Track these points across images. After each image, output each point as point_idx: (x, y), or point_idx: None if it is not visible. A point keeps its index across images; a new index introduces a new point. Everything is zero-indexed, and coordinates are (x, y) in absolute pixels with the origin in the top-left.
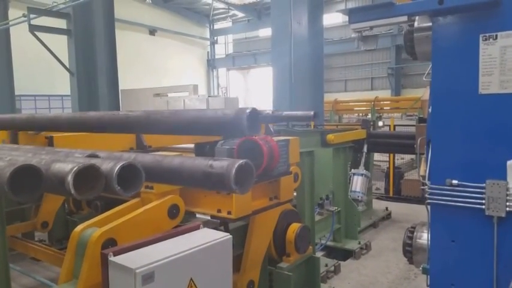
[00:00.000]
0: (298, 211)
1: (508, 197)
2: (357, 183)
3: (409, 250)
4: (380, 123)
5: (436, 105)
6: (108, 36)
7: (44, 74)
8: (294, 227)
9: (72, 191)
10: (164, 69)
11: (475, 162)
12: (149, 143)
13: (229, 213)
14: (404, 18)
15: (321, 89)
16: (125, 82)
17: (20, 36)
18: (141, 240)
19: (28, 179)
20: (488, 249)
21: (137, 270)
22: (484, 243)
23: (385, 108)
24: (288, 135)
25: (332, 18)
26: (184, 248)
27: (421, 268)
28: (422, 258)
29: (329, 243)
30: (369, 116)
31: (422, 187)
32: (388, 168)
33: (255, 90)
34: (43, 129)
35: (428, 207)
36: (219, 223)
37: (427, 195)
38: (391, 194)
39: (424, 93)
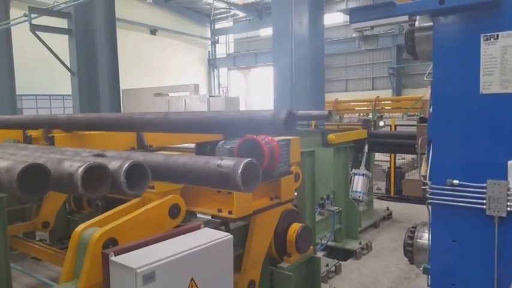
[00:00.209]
0: (299, 211)
1: (509, 197)
2: (358, 183)
3: (410, 250)
4: (381, 123)
5: (437, 105)
6: (109, 36)
7: (44, 73)
8: (295, 227)
9: (81, 189)
10: (165, 68)
11: (476, 162)
12: (150, 143)
13: (230, 213)
14: (405, 17)
15: (322, 88)
16: (126, 82)
17: (21, 36)
18: (142, 240)
19: (37, 177)
20: (489, 249)
21: (138, 270)
22: (485, 243)
23: (386, 108)
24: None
25: (333, 18)
26: (185, 247)
27: (421, 268)
28: (423, 258)
29: (330, 243)
30: (370, 116)
31: (423, 187)
32: (389, 168)
33: (255, 89)
34: (82, 129)
35: (429, 207)
36: (219, 223)
37: (428, 195)
38: (392, 194)
39: (425, 93)
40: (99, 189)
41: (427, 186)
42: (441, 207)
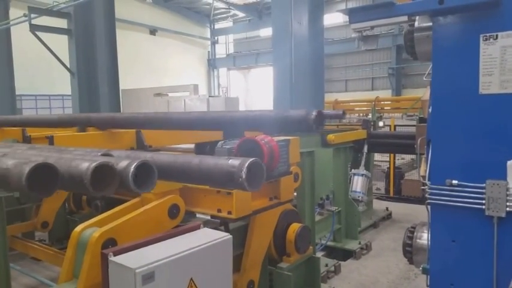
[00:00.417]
0: (298, 211)
1: (508, 197)
2: (357, 184)
3: (409, 250)
4: (380, 124)
5: (437, 105)
6: (108, 36)
7: (44, 73)
8: (294, 227)
9: (90, 188)
10: (164, 69)
11: (475, 162)
12: (149, 143)
13: (229, 213)
14: (405, 18)
15: (322, 89)
16: (125, 82)
17: (20, 36)
18: (141, 240)
19: (45, 176)
20: (488, 249)
21: (137, 270)
22: (484, 244)
23: (385, 108)
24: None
25: (333, 18)
26: (185, 248)
27: (421, 268)
28: (422, 258)
29: (329, 243)
30: (370, 116)
31: (422, 187)
32: (389, 168)
33: (255, 90)
34: (140, 127)
35: (429, 207)
36: (219, 223)
37: (427, 196)
38: (391, 194)
39: (425, 93)
40: (107, 188)
41: (426, 187)
42: (440, 208)
